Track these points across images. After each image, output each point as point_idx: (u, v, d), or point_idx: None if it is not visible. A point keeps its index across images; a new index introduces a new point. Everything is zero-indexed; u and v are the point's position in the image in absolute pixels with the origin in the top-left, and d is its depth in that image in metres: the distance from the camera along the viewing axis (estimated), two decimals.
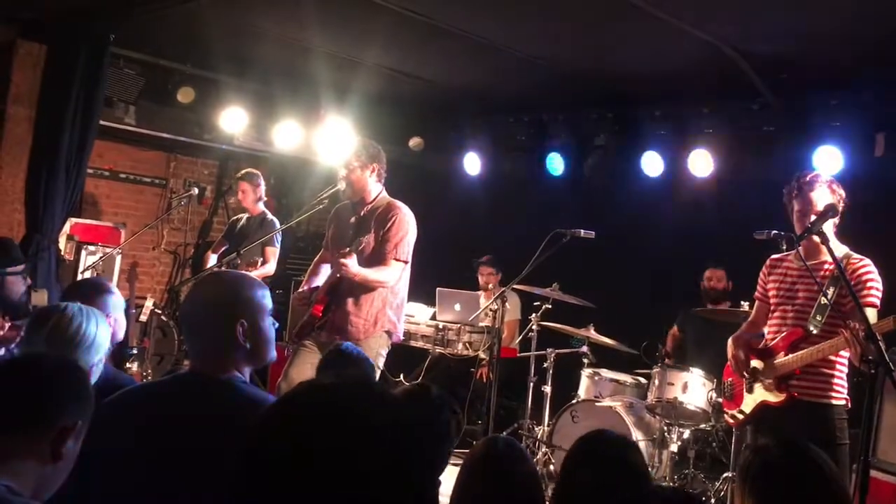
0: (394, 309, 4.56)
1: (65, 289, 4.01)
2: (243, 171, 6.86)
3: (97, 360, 2.38)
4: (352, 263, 4.27)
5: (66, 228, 6.80)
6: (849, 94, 5.54)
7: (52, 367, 1.86)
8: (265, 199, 6.87)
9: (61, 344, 2.29)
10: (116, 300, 3.17)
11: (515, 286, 5.83)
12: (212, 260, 6.70)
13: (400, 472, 1.11)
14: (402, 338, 4.70)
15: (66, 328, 2.34)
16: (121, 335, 3.15)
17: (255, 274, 5.97)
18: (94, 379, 2.38)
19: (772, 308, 3.87)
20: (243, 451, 1.13)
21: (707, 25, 4.81)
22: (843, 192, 3.69)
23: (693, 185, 6.34)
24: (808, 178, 3.68)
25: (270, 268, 6.41)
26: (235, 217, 7.06)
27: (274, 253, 6.48)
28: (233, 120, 7.25)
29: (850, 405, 3.66)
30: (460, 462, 2.55)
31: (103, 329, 2.41)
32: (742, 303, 5.22)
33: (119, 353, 6.50)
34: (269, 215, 6.74)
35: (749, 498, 2.04)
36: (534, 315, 6.12)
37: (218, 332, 2.07)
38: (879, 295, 3.59)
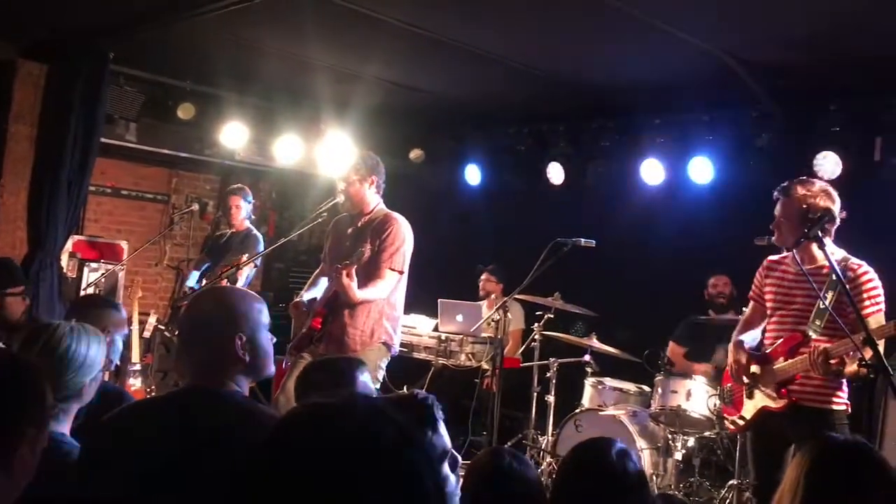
0: (391, 321, 4.57)
1: (70, 305, 4.00)
2: (235, 186, 6.83)
3: (89, 379, 2.33)
4: (354, 287, 4.26)
5: (69, 246, 6.83)
6: (847, 100, 5.56)
7: None
8: (253, 217, 6.83)
9: (50, 363, 2.25)
10: (119, 319, 3.14)
11: (517, 296, 5.85)
12: (192, 277, 6.68)
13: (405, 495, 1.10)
14: (397, 350, 4.68)
15: (55, 347, 2.29)
16: (115, 358, 3.11)
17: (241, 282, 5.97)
18: (87, 398, 2.36)
19: (769, 313, 3.86)
20: (242, 473, 1.13)
21: (706, 34, 4.83)
22: (836, 199, 3.65)
23: (694, 192, 6.34)
24: (781, 188, 3.69)
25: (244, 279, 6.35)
26: (218, 233, 7.01)
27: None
28: (234, 135, 7.27)
29: (850, 410, 3.65)
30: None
31: (95, 348, 2.37)
32: (744, 309, 5.20)
33: (121, 369, 6.53)
34: (254, 231, 6.70)
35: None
36: (536, 325, 6.12)
37: (216, 345, 2.09)
38: (882, 299, 3.58)
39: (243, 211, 6.65)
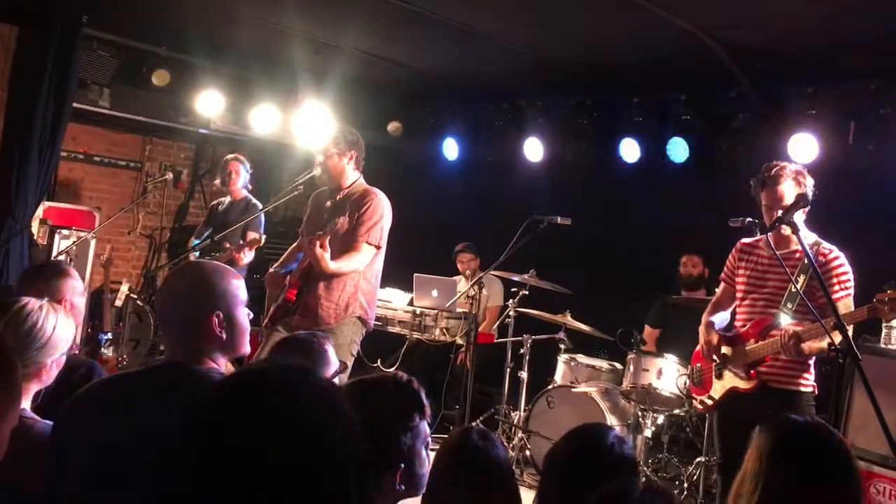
0: (366, 295, 4.55)
1: (21, 274, 3.94)
2: (234, 154, 6.76)
3: (50, 360, 2.29)
4: (327, 258, 4.25)
5: (39, 213, 6.72)
6: (824, 83, 5.59)
7: None
8: (250, 186, 6.80)
9: (15, 341, 2.21)
10: (74, 284, 3.11)
11: (494, 272, 5.87)
12: (193, 246, 6.63)
13: (321, 467, 1.14)
14: (371, 328, 4.68)
15: (20, 325, 2.25)
16: (78, 320, 3.09)
17: (247, 259, 5.96)
18: (46, 380, 2.32)
19: (741, 295, 3.91)
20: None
21: (685, 14, 4.82)
22: (811, 182, 3.71)
23: (670, 171, 6.37)
24: (773, 172, 3.70)
25: (251, 254, 6.36)
26: (216, 202, 6.94)
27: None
28: (209, 103, 7.17)
29: (817, 392, 3.72)
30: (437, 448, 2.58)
31: (63, 327, 2.32)
32: (717, 290, 5.26)
33: (93, 338, 6.48)
34: (254, 200, 6.66)
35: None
36: (511, 301, 6.15)
37: (193, 322, 2.07)
38: (851, 283, 3.64)
39: (242, 178, 6.63)
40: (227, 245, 5.93)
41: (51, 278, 3.04)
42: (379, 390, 1.93)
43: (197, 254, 6.52)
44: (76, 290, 3.12)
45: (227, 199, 6.74)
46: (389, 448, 1.84)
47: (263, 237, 5.95)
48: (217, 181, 6.84)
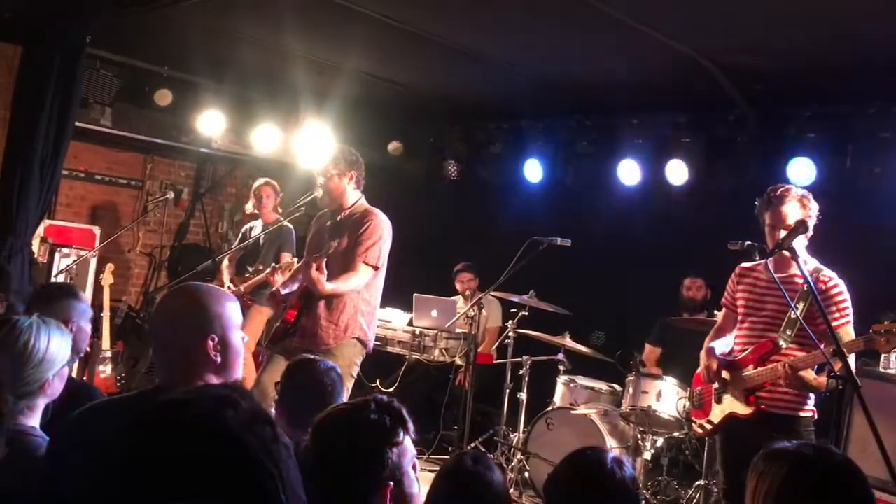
0: (365, 316, 4.53)
1: (31, 294, 3.95)
2: (264, 179, 6.79)
3: (51, 374, 2.29)
4: (322, 280, 4.24)
5: (40, 230, 6.73)
6: (823, 106, 5.61)
7: None
8: (280, 209, 6.81)
9: (8, 359, 2.22)
10: (82, 307, 3.11)
11: (493, 293, 5.87)
12: (227, 273, 6.63)
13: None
14: (371, 349, 4.66)
15: (13, 343, 2.24)
16: (83, 345, 3.09)
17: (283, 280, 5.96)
18: (53, 393, 2.33)
19: (741, 319, 3.90)
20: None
21: (685, 38, 4.86)
22: (815, 207, 3.71)
23: (670, 193, 6.38)
24: (778, 192, 3.70)
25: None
26: (248, 225, 6.94)
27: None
28: (211, 123, 7.21)
29: (816, 416, 3.70)
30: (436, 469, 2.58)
31: (57, 342, 2.31)
32: (717, 312, 5.25)
33: (92, 356, 6.47)
34: (286, 222, 6.67)
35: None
36: (510, 322, 6.14)
37: (188, 346, 2.06)
38: (850, 311, 3.62)
39: (273, 201, 6.70)
40: (261, 267, 5.97)
41: (60, 299, 3.05)
42: (359, 410, 1.92)
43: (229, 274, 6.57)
44: (84, 313, 3.11)
45: (259, 223, 6.77)
46: (376, 466, 1.83)
47: (294, 259, 5.99)
48: (248, 206, 6.87)
